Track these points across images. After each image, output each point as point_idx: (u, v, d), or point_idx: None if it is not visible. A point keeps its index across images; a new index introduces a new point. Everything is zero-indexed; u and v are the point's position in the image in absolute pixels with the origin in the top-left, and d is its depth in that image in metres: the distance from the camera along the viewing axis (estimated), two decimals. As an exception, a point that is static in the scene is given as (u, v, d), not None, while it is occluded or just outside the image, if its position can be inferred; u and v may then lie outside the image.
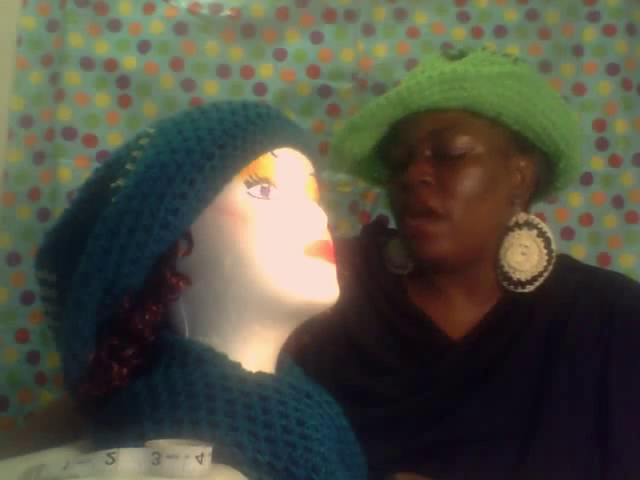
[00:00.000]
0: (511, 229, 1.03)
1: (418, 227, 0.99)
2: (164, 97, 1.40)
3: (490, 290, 1.05)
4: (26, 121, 1.38)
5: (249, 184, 0.74)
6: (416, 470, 0.86)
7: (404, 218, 1.01)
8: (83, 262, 0.72)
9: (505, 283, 1.03)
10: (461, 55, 1.06)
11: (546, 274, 1.03)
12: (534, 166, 1.05)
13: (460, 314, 1.04)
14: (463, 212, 0.98)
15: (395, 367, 1.02)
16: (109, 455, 0.62)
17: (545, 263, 1.03)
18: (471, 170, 0.99)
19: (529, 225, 1.04)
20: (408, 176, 0.98)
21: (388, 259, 1.10)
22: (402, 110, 1.00)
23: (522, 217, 1.04)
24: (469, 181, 0.98)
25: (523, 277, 1.02)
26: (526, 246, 1.03)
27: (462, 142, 0.98)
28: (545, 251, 1.03)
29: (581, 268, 1.09)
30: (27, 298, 1.35)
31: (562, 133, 1.03)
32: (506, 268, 1.02)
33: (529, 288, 1.03)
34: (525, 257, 1.02)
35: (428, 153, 1.00)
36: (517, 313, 1.03)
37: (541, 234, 1.04)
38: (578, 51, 1.42)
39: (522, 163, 1.03)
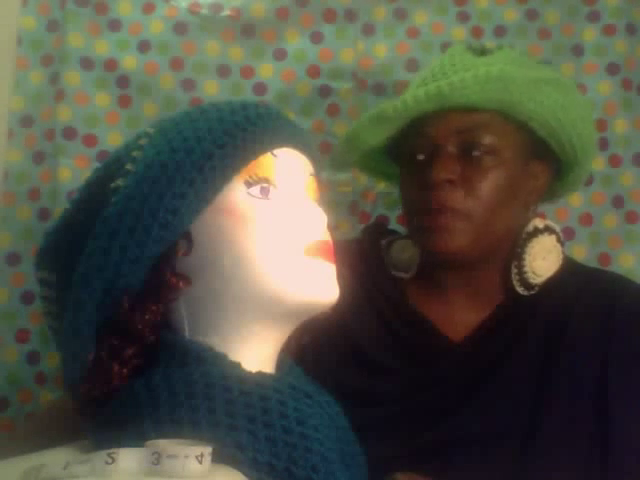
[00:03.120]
0: (534, 234, 1.02)
1: (437, 221, 0.97)
2: (164, 97, 1.40)
3: (493, 293, 1.04)
4: (26, 121, 1.38)
5: (249, 184, 0.74)
6: (416, 470, 0.86)
7: (422, 214, 0.99)
8: (83, 262, 0.72)
9: (521, 289, 1.02)
10: (487, 51, 1.05)
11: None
12: (548, 172, 1.05)
13: (461, 316, 1.04)
14: (484, 213, 0.97)
15: (395, 368, 1.02)
16: (109, 455, 0.62)
17: (557, 268, 1.04)
18: (496, 172, 0.97)
19: (549, 230, 1.04)
20: (434, 174, 0.96)
21: (390, 261, 1.09)
22: (437, 106, 0.97)
23: (541, 222, 1.04)
24: (494, 183, 0.97)
25: (538, 281, 1.02)
26: (549, 251, 1.03)
27: (490, 143, 0.97)
28: (561, 256, 1.04)
29: (581, 269, 1.09)
30: (27, 298, 1.35)
31: (584, 144, 1.03)
32: (529, 273, 1.02)
33: (535, 290, 1.03)
34: (545, 262, 1.02)
35: (454, 151, 0.98)
36: (518, 315, 1.03)
37: (559, 240, 1.04)
38: (578, 51, 1.42)
39: (538, 168, 1.03)
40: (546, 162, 1.04)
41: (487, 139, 0.97)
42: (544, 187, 1.05)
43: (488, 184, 0.97)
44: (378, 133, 1.03)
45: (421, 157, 1.00)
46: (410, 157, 1.02)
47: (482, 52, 1.05)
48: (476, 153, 0.97)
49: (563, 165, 1.06)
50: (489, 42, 1.38)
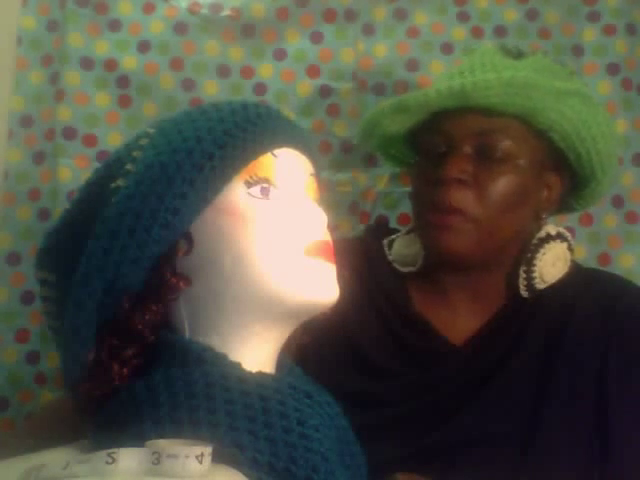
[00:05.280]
0: (546, 240, 1.03)
1: (442, 219, 0.97)
2: (164, 97, 1.40)
3: (495, 297, 1.04)
4: (26, 121, 1.38)
5: (249, 184, 0.74)
6: (416, 471, 0.86)
7: (429, 211, 0.99)
8: (83, 262, 0.72)
9: (525, 293, 1.02)
10: (519, 54, 1.05)
11: None
12: (562, 184, 1.05)
13: (462, 319, 1.04)
14: (491, 217, 0.97)
15: (395, 369, 1.02)
16: (109, 455, 0.62)
17: (563, 274, 1.04)
18: (509, 177, 0.98)
19: (561, 237, 1.04)
20: (445, 171, 0.96)
21: (394, 256, 1.09)
22: (459, 103, 0.97)
23: (554, 229, 1.04)
24: (505, 188, 0.97)
25: (543, 287, 1.02)
26: (558, 258, 1.03)
27: (507, 148, 0.97)
28: (569, 264, 1.04)
29: (580, 270, 1.09)
30: (27, 298, 1.35)
31: (603, 161, 1.03)
32: (537, 279, 1.02)
33: (537, 293, 1.03)
34: (554, 269, 1.03)
35: (469, 151, 0.98)
36: (518, 316, 1.03)
37: (570, 248, 1.04)
38: (578, 51, 1.42)
39: (553, 180, 1.04)
40: (562, 174, 1.04)
41: (504, 144, 0.97)
42: (557, 199, 1.05)
43: (499, 188, 0.97)
44: (398, 121, 1.04)
45: (437, 153, 1.00)
46: (426, 152, 1.03)
47: (514, 54, 1.05)
48: (492, 156, 0.97)
49: (580, 179, 1.06)
50: (489, 42, 1.39)
